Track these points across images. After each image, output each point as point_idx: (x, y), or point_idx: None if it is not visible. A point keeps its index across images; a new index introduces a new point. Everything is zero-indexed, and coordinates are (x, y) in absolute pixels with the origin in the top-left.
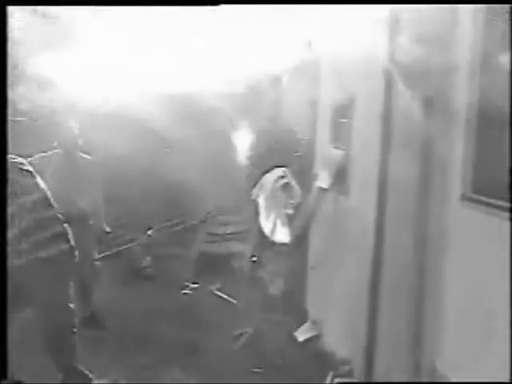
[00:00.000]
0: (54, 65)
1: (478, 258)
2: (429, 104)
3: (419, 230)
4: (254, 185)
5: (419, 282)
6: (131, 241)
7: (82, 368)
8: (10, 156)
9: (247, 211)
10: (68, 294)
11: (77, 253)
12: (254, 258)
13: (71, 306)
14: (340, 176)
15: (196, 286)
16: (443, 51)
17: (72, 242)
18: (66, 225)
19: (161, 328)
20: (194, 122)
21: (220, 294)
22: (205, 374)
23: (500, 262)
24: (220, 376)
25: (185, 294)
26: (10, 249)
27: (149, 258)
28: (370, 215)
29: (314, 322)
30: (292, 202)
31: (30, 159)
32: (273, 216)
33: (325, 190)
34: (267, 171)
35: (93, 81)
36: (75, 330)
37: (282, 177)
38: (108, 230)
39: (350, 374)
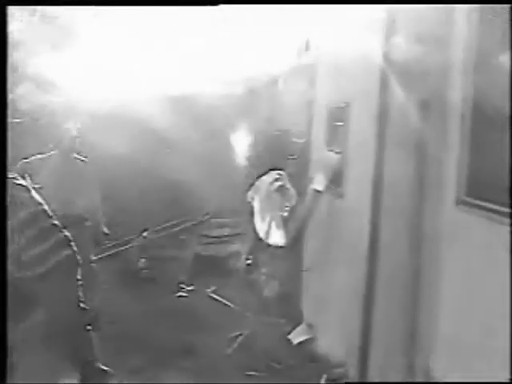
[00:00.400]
0: (53, 65)
1: (473, 259)
2: (424, 106)
3: (414, 232)
4: (250, 187)
5: (414, 283)
6: (127, 242)
7: (100, 365)
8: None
9: (243, 213)
10: (78, 294)
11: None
12: (249, 261)
13: (82, 305)
14: (335, 179)
15: (191, 288)
16: (439, 51)
17: (75, 248)
18: (66, 232)
19: (156, 330)
20: (192, 123)
21: (215, 296)
22: (200, 376)
23: (495, 263)
24: (215, 378)
25: (180, 296)
26: (13, 261)
27: (144, 260)
28: (365, 218)
29: (309, 325)
30: (287, 204)
31: (25, 161)
32: (268, 218)
33: (320, 192)
34: (263, 174)
35: (92, 81)
36: (89, 327)
37: (278, 179)
38: (106, 231)
39: (344, 376)
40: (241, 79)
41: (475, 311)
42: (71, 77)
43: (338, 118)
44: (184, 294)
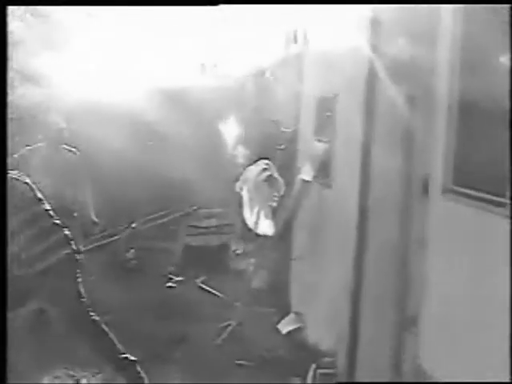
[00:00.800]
0: (47, 60)
1: (461, 249)
2: (412, 97)
3: (402, 221)
4: (239, 177)
5: (402, 272)
6: (116, 233)
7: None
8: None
9: (232, 204)
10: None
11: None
12: (239, 251)
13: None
14: (323, 169)
15: (180, 278)
16: (427, 46)
17: (74, 246)
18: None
19: (145, 320)
20: (182, 115)
21: (204, 286)
22: (190, 366)
23: (482, 252)
24: (204, 368)
25: (169, 287)
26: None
27: (133, 251)
28: (353, 207)
29: (298, 314)
30: (276, 194)
31: (15, 155)
32: (256, 208)
33: (308, 182)
34: (251, 164)
35: (83, 75)
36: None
37: (266, 169)
38: (96, 219)
39: (332, 365)
40: (228, 72)
41: (463, 298)
42: (62, 70)
43: (326, 108)
44: (173, 285)
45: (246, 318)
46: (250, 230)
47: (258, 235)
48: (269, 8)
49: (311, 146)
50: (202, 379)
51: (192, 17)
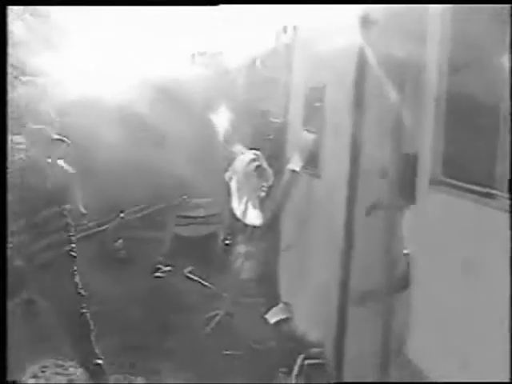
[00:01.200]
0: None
1: (448, 240)
2: (401, 88)
3: (390, 212)
4: (228, 167)
5: (389, 261)
6: (104, 223)
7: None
8: None
9: (221, 194)
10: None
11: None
12: (227, 241)
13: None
14: (312, 159)
15: (169, 268)
16: (416, 42)
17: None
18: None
19: (133, 310)
20: (170, 106)
21: (192, 276)
22: (178, 356)
23: (471, 242)
24: (193, 357)
25: (157, 277)
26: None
27: (121, 241)
28: (342, 197)
29: (286, 304)
30: (264, 184)
31: None
32: (245, 199)
33: (297, 172)
34: (240, 154)
35: (74, 67)
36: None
37: (254, 160)
38: (84, 211)
39: (320, 355)
40: (216, 62)
41: (449, 289)
42: (58, 67)
43: (315, 98)
44: (161, 275)
45: (234, 309)
46: (238, 220)
47: (246, 225)
48: (264, 6)
49: (300, 136)
50: (189, 369)
51: (192, 17)
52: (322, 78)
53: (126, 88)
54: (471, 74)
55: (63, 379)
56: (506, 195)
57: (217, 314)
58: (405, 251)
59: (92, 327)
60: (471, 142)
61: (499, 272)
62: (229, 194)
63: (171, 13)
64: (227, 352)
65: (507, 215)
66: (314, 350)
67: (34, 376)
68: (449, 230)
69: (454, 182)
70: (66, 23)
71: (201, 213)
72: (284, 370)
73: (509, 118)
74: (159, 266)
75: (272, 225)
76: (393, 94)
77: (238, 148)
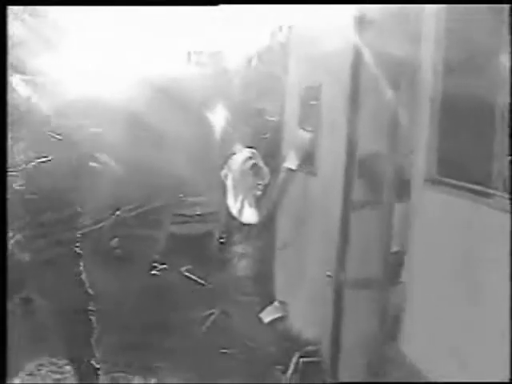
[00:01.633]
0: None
1: (442, 238)
2: (396, 86)
3: (385, 210)
4: (224, 165)
5: (385, 259)
6: (100, 221)
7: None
8: None
9: (217, 192)
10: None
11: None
12: (223, 240)
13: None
14: (308, 157)
15: (165, 266)
16: (411, 42)
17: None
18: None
19: (129, 309)
20: (167, 105)
21: (189, 274)
22: (174, 354)
23: (465, 239)
24: (189, 356)
25: (153, 275)
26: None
27: (117, 239)
28: (338, 196)
29: (281, 303)
30: (260, 182)
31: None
32: (240, 197)
33: (293, 171)
34: (236, 152)
35: (71, 65)
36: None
37: (250, 158)
38: (79, 209)
39: (316, 354)
40: (213, 60)
41: (444, 286)
42: (58, 67)
43: (311, 97)
44: (157, 273)
45: (229, 307)
46: (234, 218)
47: (242, 224)
48: (264, 6)
49: (296, 134)
50: (184, 367)
51: (191, 17)
52: (318, 76)
53: (126, 87)
54: (466, 74)
55: (59, 377)
56: (503, 194)
57: (212, 313)
58: (395, 249)
59: (94, 325)
60: (466, 141)
61: (498, 271)
62: (225, 193)
63: (171, 13)
64: (223, 350)
65: (503, 214)
66: (310, 348)
67: (31, 374)
68: (444, 228)
69: (448, 180)
70: (65, 23)
71: (197, 211)
72: (280, 367)
73: (506, 116)
74: (155, 264)
75: (268, 223)
76: (388, 93)
77: (234, 146)
